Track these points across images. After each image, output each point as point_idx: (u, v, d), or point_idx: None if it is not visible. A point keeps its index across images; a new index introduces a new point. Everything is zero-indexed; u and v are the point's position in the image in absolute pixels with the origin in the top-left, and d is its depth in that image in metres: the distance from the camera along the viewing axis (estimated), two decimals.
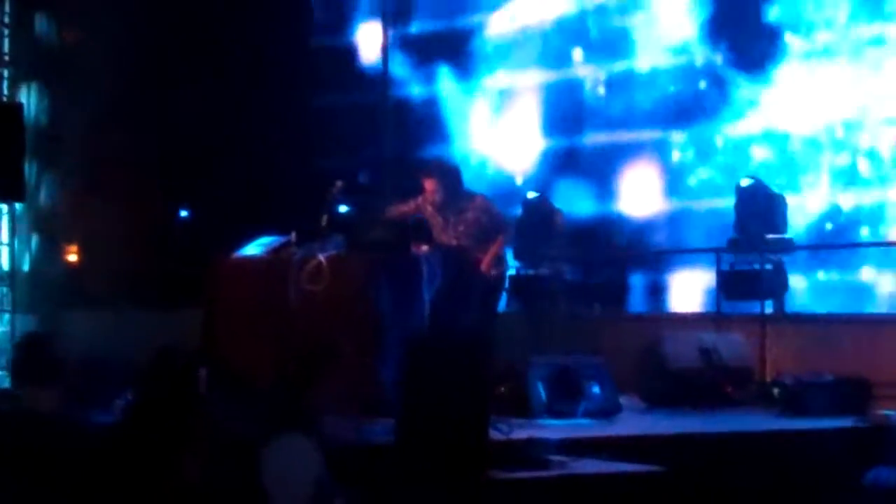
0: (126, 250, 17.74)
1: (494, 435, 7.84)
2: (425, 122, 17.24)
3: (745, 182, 12.46)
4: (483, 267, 11.17)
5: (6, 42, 19.08)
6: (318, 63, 18.11)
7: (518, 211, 14.21)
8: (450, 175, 11.61)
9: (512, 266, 13.31)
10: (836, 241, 12.69)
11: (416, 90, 17.41)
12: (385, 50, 17.50)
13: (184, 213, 17.00)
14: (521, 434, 8.53)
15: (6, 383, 16.77)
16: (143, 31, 17.32)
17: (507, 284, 12.69)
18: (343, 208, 11.70)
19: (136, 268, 17.37)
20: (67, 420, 9.12)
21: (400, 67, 17.73)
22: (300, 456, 6.12)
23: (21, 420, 10.20)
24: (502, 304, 12.57)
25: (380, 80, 17.67)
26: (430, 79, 17.31)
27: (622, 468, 8.02)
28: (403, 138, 17.01)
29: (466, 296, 10.56)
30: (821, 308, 12.32)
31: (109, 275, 17.89)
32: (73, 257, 18.85)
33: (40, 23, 19.35)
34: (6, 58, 19.07)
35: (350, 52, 18.52)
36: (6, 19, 19.10)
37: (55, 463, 7.96)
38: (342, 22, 18.66)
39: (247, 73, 17.13)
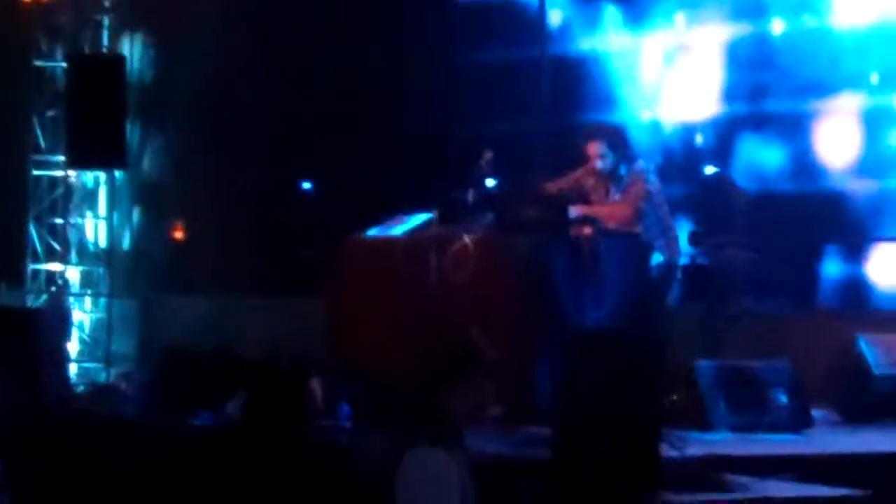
0: (238, 228, 17.95)
1: (667, 450, 7.84)
2: (587, 81, 16.92)
3: None
4: None
5: None
6: (462, 13, 18.03)
7: (694, 189, 14.11)
8: (616, 137, 11.53)
9: (686, 253, 13.26)
10: None
11: (577, 41, 17.19)
12: None
13: (306, 186, 17.11)
14: (697, 450, 8.56)
15: (102, 377, 17.08)
16: None
17: (679, 274, 12.66)
18: (491, 182, 11.71)
19: (249, 248, 17.58)
20: (165, 426, 9.34)
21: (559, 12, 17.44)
22: (440, 475, 6.16)
23: (112, 425, 10.47)
24: (674, 296, 12.51)
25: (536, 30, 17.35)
26: (593, 25, 17.12)
27: (816, 491, 7.98)
28: (562, 100, 16.69)
29: (637, 287, 10.56)
30: None
31: (220, 256, 18.12)
32: (179, 235, 19.05)
33: None
34: (106, 3, 19.33)
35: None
36: None
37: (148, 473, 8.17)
38: None
39: (378, 26, 17.18)
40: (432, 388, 6.30)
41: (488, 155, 11.67)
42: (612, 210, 11.12)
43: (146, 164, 19.38)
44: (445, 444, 6.21)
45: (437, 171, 15.48)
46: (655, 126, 16.27)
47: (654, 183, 11.48)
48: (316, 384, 9.39)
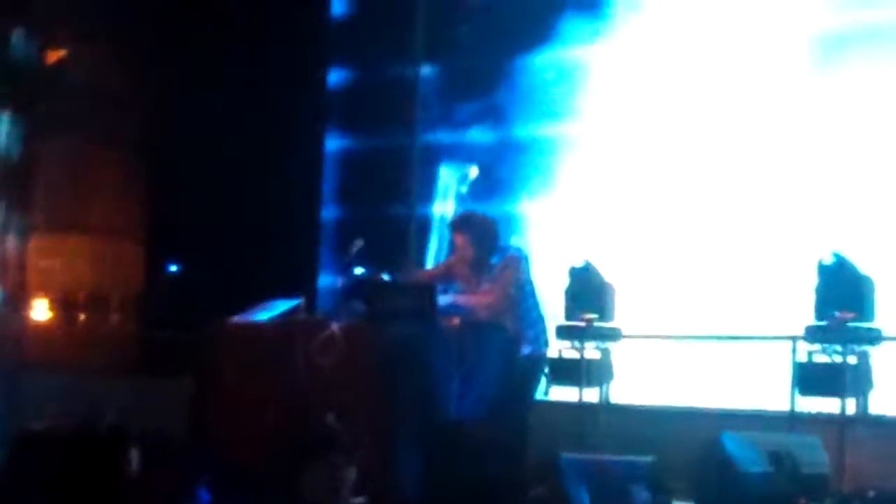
0: (99, 306, 17.92)
1: None
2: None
3: (827, 259, 12.56)
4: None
5: None
6: (331, 101, 18.08)
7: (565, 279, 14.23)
8: (484, 228, 11.57)
9: (550, 343, 13.37)
10: None
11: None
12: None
13: (172, 268, 17.12)
14: None
15: None
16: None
17: (546, 368, 12.77)
18: (361, 270, 11.78)
19: (111, 330, 17.54)
20: None
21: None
22: None
23: None
24: (540, 389, 12.60)
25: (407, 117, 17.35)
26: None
27: None
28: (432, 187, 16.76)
29: (503, 379, 10.64)
30: None
31: (78, 333, 18.07)
32: (38, 313, 18.99)
33: (16, 41, 19.59)
34: None
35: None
36: None
37: None
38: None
39: (249, 107, 17.22)
40: (291, 471, 6.36)
41: (359, 243, 11.74)
42: (479, 299, 11.19)
43: (10, 241, 19.29)
44: None
45: (307, 258, 15.60)
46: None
47: (525, 272, 11.59)
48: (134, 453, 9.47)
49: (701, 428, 12.05)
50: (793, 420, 12.34)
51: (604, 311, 14.07)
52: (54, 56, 19.02)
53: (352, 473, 6.37)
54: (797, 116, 14.29)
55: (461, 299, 11.16)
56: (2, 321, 19.21)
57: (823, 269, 12.48)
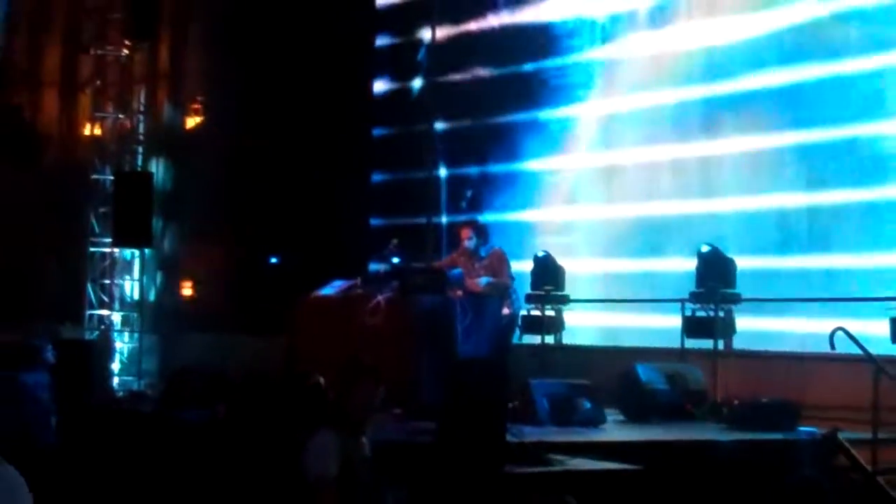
0: (227, 288, 17.83)
1: (510, 438, 7.81)
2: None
3: (704, 248, 12.47)
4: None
5: (141, 125, 19.23)
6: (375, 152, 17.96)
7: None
8: (479, 228, 11.65)
9: (524, 307, 13.27)
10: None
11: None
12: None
13: (273, 260, 16.97)
14: (530, 438, 8.54)
15: (135, 386, 16.87)
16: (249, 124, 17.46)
17: (519, 322, 12.69)
18: (396, 260, 11.73)
19: (234, 302, 17.45)
20: (170, 418, 9.28)
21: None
22: (324, 443, 6.11)
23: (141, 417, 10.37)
24: (516, 337, 12.52)
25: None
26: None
27: (607, 466, 8.03)
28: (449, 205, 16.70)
29: (492, 330, 10.58)
30: (760, 346, 12.25)
31: (214, 306, 17.98)
32: (187, 291, 18.90)
33: (168, 110, 19.47)
34: (141, 137, 19.21)
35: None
36: (141, 107, 19.23)
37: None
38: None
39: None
40: (345, 393, 6.25)
41: (395, 241, 11.70)
42: (501, 279, 11.23)
43: (165, 244, 19.20)
44: (348, 431, 6.17)
45: (361, 251, 15.47)
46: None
47: (506, 260, 11.55)
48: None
49: (622, 360, 11.95)
50: (682, 354, 12.21)
51: (557, 284, 13.92)
52: (192, 120, 18.92)
53: (382, 393, 6.21)
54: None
55: (487, 280, 11.15)
56: (165, 298, 19.15)
57: (701, 255, 12.36)
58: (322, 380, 7.67)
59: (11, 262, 17.49)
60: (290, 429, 6.47)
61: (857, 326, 10.12)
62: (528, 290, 13.83)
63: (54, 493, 3.89)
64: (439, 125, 16.67)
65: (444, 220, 16.34)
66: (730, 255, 12.40)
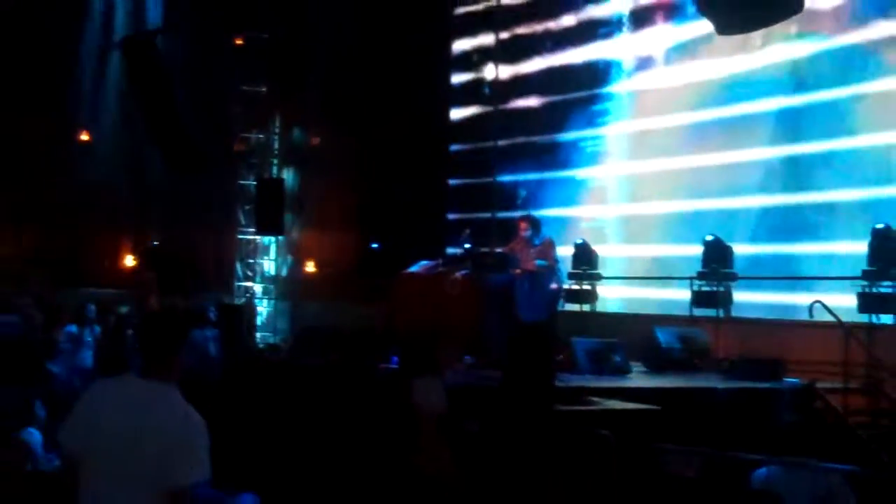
0: (341, 266, 17.88)
1: (558, 383, 7.75)
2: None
3: (708, 237, 12.31)
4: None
5: (276, 143, 19.34)
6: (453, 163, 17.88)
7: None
8: (534, 221, 11.52)
9: (566, 283, 13.17)
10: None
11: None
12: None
13: (375, 246, 16.97)
14: (572, 384, 8.49)
15: (271, 341, 17.00)
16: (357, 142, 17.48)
17: (563, 294, 12.58)
18: (468, 245, 11.66)
19: (345, 277, 17.50)
20: (297, 364, 9.32)
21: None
22: (433, 387, 6.09)
23: (276, 364, 10.40)
24: (560, 305, 12.41)
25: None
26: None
27: (632, 406, 7.96)
28: (506, 203, 16.58)
29: (544, 300, 10.47)
30: (753, 315, 12.07)
31: (330, 280, 18.06)
32: (310, 269, 18.99)
33: (296, 132, 19.55)
34: (275, 151, 19.32)
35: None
36: (277, 130, 19.33)
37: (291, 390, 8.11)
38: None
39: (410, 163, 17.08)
40: (431, 349, 6.22)
41: (467, 231, 11.62)
42: (550, 263, 11.12)
43: (294, 232, 19.30)
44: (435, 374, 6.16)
45: (441, 239, 15.45)
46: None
47: (554, 247, 11.42)
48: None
49: (643, 324, 11.83)
50: (691, 320, 12.04)
51: (592, 264, 13.85)
52: (314, 139, 19.02)
53: (458, 347, 6.23)
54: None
55: (541, 262, 11.05)
56: (294, 273, 19.25)
57: (706, 243, 12.25)
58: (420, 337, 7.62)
59: (183, 246, 17.68)
60: (399, 373, 6.42)
61: (831, 300, 10.01)
62: (570, 269, 13.75)
63: (219, 418, 3.87)
64: (501, 142, 16.62)
65: (503, 215, 16.24)
66: (728, 243, 12.27)
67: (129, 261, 18.44)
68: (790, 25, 11.95)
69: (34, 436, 5.98)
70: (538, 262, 11.13)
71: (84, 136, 18.37)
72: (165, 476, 3.65)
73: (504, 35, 16.79)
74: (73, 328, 10.87)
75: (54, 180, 17.49)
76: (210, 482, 3.78)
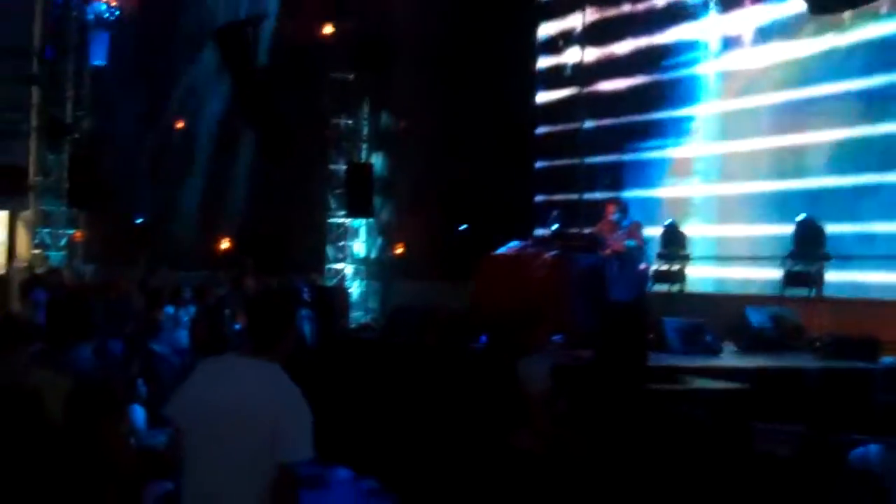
0: (430, 247, 17.92)
1: (649, 362, 7.65)
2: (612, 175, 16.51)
3: (800, 217, 12.05)
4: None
5: (365, 128, 19.44)
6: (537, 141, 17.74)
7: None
8: (622, 204, 11.39)
9: (655, 263, 13.01)
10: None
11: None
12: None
13: (462, 227, 16.95)
14: (662, 363, 8.38)
15: (363, 320, 17.10)
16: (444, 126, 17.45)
17: (651, 275, 12.43)
18: (555, 226, 11.58)
19: (433, 258, 17.54)
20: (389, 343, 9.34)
21: None
22: (539, 367, 6.04)
23: (368, 343, 10.44)
24: (649, 286, 12.25)
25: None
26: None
27: (723, 385, 7.84)
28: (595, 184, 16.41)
29: (630, 281, 10.37)
30: (846, 294, 11.76)
31: (418, 261, 18.11)
32: (399, 250, 19.08)
33: (384, 117, 19.62)
34: (364, 137, 19.42)
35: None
36: (365, 115, 19.42)
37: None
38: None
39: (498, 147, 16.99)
40: (524, 329, 6.17)
41: (555, 212, 11.55)
42: (639, 243, 10.97)
43: (383, 215, 19.41)
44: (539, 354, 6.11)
45: (528, 222, 15.34)
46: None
47: (641, 228, 11.29)
48: None
49: (732, 304, 11.58)
50: (781, 300, 11.76)
51: (680, 245, 13.64)
52: (402, 124, 19.06)
53: (551, 328, 6.19)
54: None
55: (631, 243, 10.91)
56: (383, 255, 19.35)
57: (798, 222, 11.99)
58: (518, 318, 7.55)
59: (277, 229, 17.92)
60: (496, 353, 6.38)
61: None
62: (658, 250, 13.58)
63: (314, 396, 3.90)
64: (587, 124, 16.44)
65: (590, 196, 16.07)
66: (820, 222, 12.00)
67: (224, 244, 18.75)
68: (882, 5, 11.62)
69: (137, 412, 6.09)
70: (628, 242, 11.02)
71: (180, 124, 18.72)
72: (270, 453, 3.68)
73: (590, 17, 16.59)
74: (171, 309, 11.08)
75: (153, 167, 17.88)
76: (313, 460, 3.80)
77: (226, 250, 18.41)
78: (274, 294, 4.21)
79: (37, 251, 18.26)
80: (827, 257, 11.78)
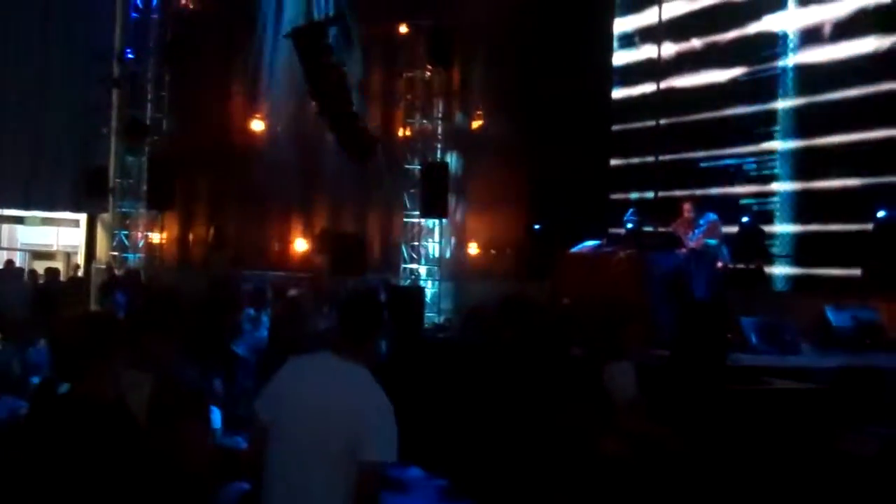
0: (504, 247, 17.91)
1: (728, 361, 7.55)
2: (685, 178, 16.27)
3: (880, 213, 11.80)
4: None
5: (440, 128, 19.47)
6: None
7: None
8: (698, 202, 11.30)
9: (732, 262, 12.83)
10: None
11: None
12: None
13: (537, 227, 16.89)
14: (743, 362, 8.28)
15: (436, 321, 17.14)
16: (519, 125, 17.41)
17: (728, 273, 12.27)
18: (630, 225, 11.51)
19: (508, 257, 17.52)
20: (466, 343, 9.32)
21: None
22: (627, 372, 5.97)
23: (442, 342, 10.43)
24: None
25: None
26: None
27: (802, 385, 7.70)
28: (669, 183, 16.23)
29: (708, 279, 10.27)
30: None
31: (493, 261, 18.11)
32: (473, 250, 19.09)
33: (459, 117, 19.64)
34: (440, 136, 19.46)
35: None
36: (439, 115, 19.45)
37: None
38: None
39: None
40: (615, 331, 6.10)
41: (632, 210, 11.48)
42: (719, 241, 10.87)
43: (457, 215, 19.44)
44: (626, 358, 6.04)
45: (603, 220, 15.22)
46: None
47: (720, 226, 11.17)
48: None
49: (813, 303, 11.38)
50: (863, 299, 11.52)
51: (758, 243, 13.45)
52: (477, 121, 19.06)
53: (642, 330, 6.09)
54: None
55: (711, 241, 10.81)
56: (458, 255, 19.39)
57: (877, 219, 11.76)
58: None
59: (354, 229, 18.08)
60: (586, 357, 6.30)
61: None
62: (736, 248, 13.38)
63: (391, 396, 3.92)
64: (663, 120, 16.27)
65: (666, 194, 15.91)
66: None
67: (301, 244, 18.96)
68: None
69: (214, 413, 6.17)
70: (709, 241, 10.92)
71: (259, 125, 18.93)
72: (354, 453, 3.71)
73: (668, 13, 16.42)
74: (251, 310, 11.21)
75: (231, 168, 18.12)
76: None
77: (303, 251, 18.62)
78: (366, 296, 4.24)
79: (115, 253, 18.59)
80: None
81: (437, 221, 19.37)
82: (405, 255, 19.45)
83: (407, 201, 19.35)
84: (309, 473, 3.77)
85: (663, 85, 16.25)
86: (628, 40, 17.47)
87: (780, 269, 13.83)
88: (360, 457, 3.71)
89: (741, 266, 13.49)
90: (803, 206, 13.95)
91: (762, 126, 14.68)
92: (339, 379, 3.86)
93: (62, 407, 3.52)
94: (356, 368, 3.89)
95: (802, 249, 13.75)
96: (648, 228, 11.92)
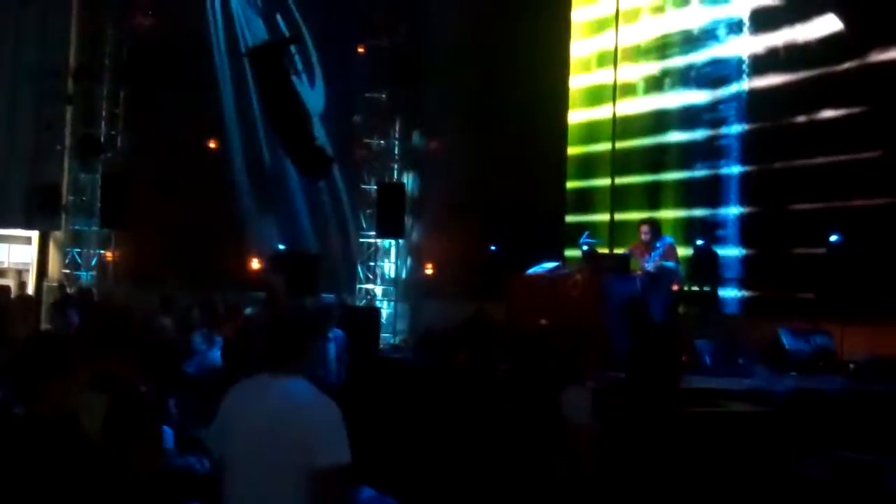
0: (460, 267, 17.91)
1: (681, 384, 7.60)
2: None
3: (833, 238, 11.94)
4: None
5: (396, 148, 19.50)
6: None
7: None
8: (654, 224, 11.35)
9: (686, 284, 12.93)
10: None
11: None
12: None
13: (493, 248, 16.93)
14: (696, 385, 8.34)
15: (392, 342, 17.13)
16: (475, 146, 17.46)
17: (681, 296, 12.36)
18: (586, 247, 11.56)
19: (464, 278, 17.52)
20: (419, 365, 9.31)
21: None
22: (582, 397, 5.98)
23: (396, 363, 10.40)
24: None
25: None
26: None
27: (755, 409, 7.85)
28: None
29: (663, 302, 10.34)
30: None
31: (448, 281, 18.10)
32: (429, 270, 19.08)
33: (416, 137, 19.69)
34: (396, 157, 19.49)
35: None
36: (396, 135, 19.49)
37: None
38: None
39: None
40: (572, 354, 6.13)
41: (586, 233, 11.56)
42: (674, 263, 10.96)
43: (413, 235, 19.45)
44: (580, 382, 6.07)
45: (559, 242, 15.30)
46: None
47: (675, 249, 11.26)
48: None
49: (763, 327, 11.53)
50: (815, 322, 11.66)
51: (712, 266, 13.56)
52: (433, 144, 19.13)
53: (597, 355, 6.10)
54: None
55: (668, 264, 10.86)
56: (414, 275, 19.37)
57: (830, 245, 11.84)
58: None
59: (307, 250, 17.99)
60: (539, 382, 6.29)
61: None
62: (689, 271, 13.50)
63: (346, 418, 3.92)
64: (619, 144, 16.41)
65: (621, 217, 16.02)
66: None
67: (256, 263, 18.82)
68: None
69: (167, 433, 6.12)
70: (666, 263, 10.99)
71: (212, 144, 18.81)
72: (305, 459, 3.72)
73: (623, 36, 16.55)
74: (205, 330, 11.13)
75: (184, 186, 17.96)
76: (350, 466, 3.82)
77: (257, 270, 18.49)
78: (292, 312, 4.25)
79: (67, 271, 18.37)
80: (860, 281, 11.69)
81: (393, 242, 19.37)
82: (361, 275, 19.42)
83: (363, 221, 19.34)
84: (269, 495, 3.78)
85: (620, 109, 16.43)
86: (585, 64, 17.58)
87: (731, 293, 13.95)
88: (311, 460, 3.71)
89: (695, 288, 13.64)
90: (756, 229, 14.09)
91: (717, 149, 14.82)
92: (279, 399, 3.86)
93: (18, 427, 3.49)
94: (294, 383, 3.90)
95: (755, 272, 13.88)
96: (603, 251, 12.00)
